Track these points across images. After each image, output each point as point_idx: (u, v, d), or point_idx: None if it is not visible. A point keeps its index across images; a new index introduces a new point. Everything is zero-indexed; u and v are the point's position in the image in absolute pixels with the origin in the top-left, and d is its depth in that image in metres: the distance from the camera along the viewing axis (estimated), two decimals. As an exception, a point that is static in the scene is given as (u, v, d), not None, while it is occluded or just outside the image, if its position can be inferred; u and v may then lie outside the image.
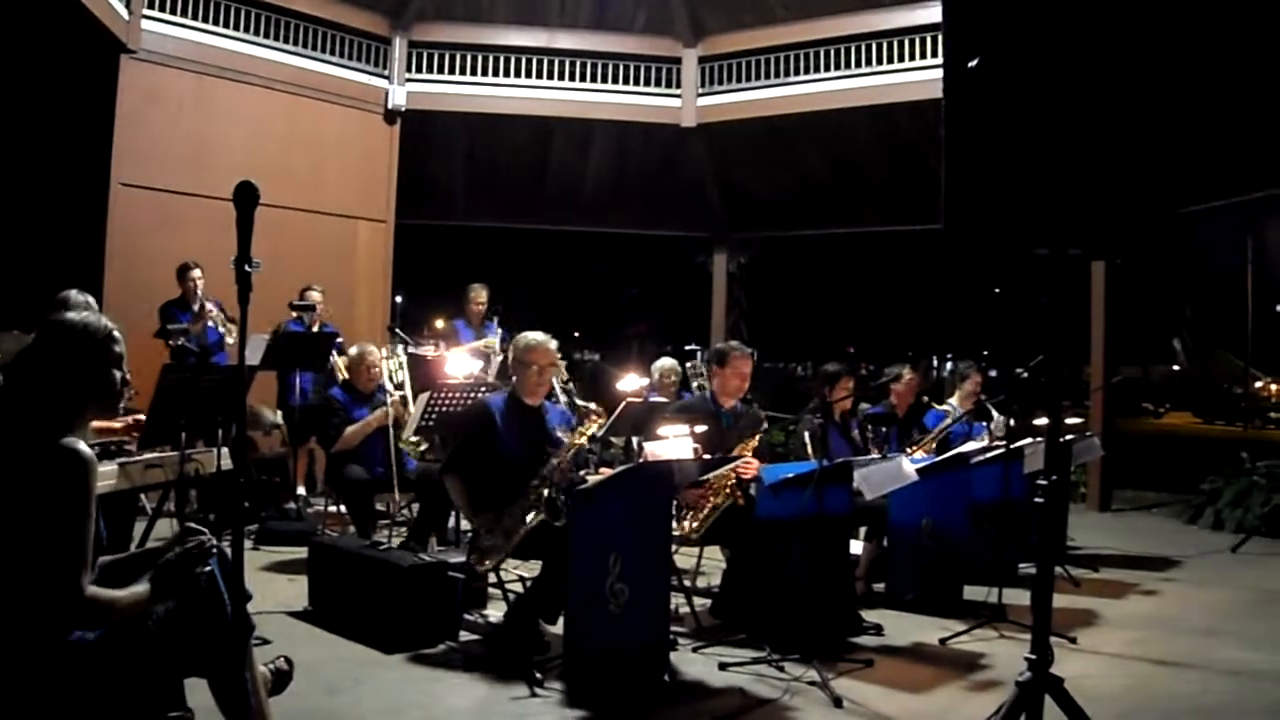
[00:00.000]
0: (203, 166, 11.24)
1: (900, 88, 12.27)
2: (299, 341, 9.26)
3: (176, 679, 3.46)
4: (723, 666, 5.73)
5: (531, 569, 6.16)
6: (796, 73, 13.07)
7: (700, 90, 13.72)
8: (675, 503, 6.46)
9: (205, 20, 11.59)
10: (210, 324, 9.63)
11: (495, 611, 6.61)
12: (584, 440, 6.23)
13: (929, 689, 5.62)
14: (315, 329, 10.05)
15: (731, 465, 6.37)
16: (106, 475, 5.66)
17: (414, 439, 8.10)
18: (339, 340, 9.75)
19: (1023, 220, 3.82)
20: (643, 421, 7.70)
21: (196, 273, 9.66)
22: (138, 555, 3.87)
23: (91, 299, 6.17)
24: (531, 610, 5.84)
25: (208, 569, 3.52)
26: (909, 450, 7.90)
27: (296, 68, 12.32)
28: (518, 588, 6.38)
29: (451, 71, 13.37)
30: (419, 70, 13.30)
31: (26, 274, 6.18)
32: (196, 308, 9.67)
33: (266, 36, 12.10)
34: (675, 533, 6.41)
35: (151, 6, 11.16)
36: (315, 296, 10.30)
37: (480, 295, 11.31)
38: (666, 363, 10.05)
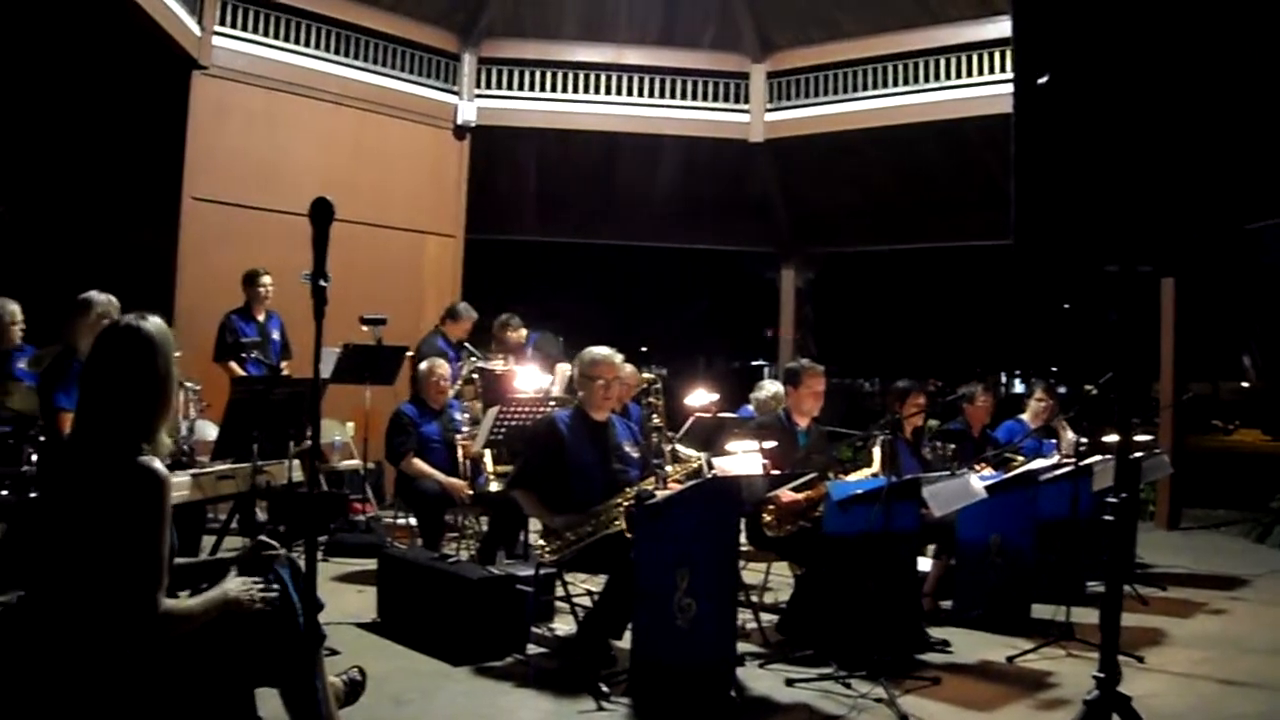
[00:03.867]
0: (272, 181, 11.39)
1: (968, 103, 12.17)
2: (370, 355, 9.33)
3: (249, 688, 3.51)
4: (789, 683, 5.71)
5: (599, 583, 6.18)
6: (864, 88, 13.02)
7: (768, 105, 13.69)
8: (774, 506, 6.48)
9: (276, 37, 11.74)
10: (275, 337, 9.74)
11: (563, 625, 6.63)
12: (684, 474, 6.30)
13: (995, 707, 5.59)
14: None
15: (802, 481, 6.36)
16: (180, 486, 5.75)
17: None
18: (409, 354, 9.82)
19: (1092, 236, 3.80)
20: (712, 436, 7.70)
21: (267, 279, 9.72)
22: (208, 563, 3.92)
23: (114, 299, 6.20)
24: (599, 624, 5.85)
25: (276, 589, 3.57)
26: (977, 467, 7.85)
27: (366, 83, 12.43)
28: (585, 602, 6.40)
29: (520, 87, 13.44)
30: (488, 86, 13.38)
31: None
32: (262, 317, 9.78)
33: (337, 53, 12.21)
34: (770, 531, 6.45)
35: (223, 23, 11.31)
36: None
37: (518, 333, 10.97)
38: (774, 388, 9.78)
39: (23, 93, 10.99)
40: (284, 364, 9.54)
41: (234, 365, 9.20)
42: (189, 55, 10.87)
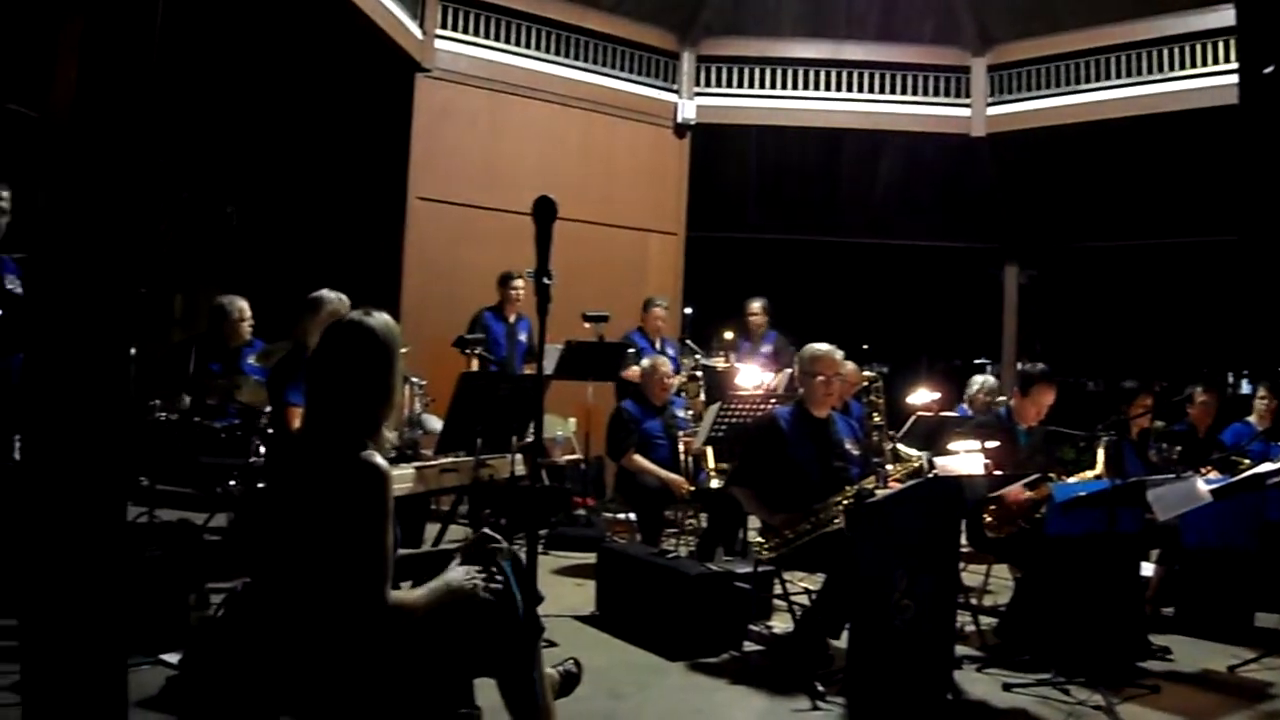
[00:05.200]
0: (496, 181, 11.58)
1: (1193, 94, 11.67)
2: (592, 352, 9.42)
3: (468, 678, 3.56)
4: (1007, 688, 5.60)
5: (817, 582, 6.12)
6: (1086, 80, 12.60)
7: (989, 99, 13.38)
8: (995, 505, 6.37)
9: (496, 39, 11.94)
10: (521, 339, 9.92)
11: (780, 623, 6.60)
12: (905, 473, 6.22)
13: (1215, 717, 5.42)
14: (657, 343, 10.28)
15: (1022, 483, 6.21)
16: (403, 479, 5.90)
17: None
18: (631, 351, 9.89)
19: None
20: (933, 435, 7.57)
21: (519, 282, 9.87)
22: (431, 554, 4.00)
23: (344, 297, 6.38)
24: (816, 623, 5.80)
25: (499, 578, 3.62)
26: (1203, 470, 7.53)
27: (588, 83, 12.56)
28: (803, 600, 6.35)
29: (740, 85, 13.41)
30: (708, 84, 13.38)
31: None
32: (513, 318, 9.96)
33: (557, 54, 12.36)
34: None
35: (444, 27, 11.57)
36: (659, 312, 10.57)
37: (753, 307, 11.22)
38: (989, 381, 9.73)
39: (254, 98, 11.44)
40: (528, 366, 9.72)
41: (473, 359, 9.38)
42: (412, 58, 11.14)
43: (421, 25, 11.29)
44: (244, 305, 7.92)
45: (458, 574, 3.57)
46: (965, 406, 9.42)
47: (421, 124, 11.37)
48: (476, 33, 11.78)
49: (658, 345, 10.39)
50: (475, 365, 8.94)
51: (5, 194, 5.21)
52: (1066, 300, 16.24)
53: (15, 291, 5.26)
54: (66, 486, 3.15)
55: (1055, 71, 12.87)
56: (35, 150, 3.31)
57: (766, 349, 10.86)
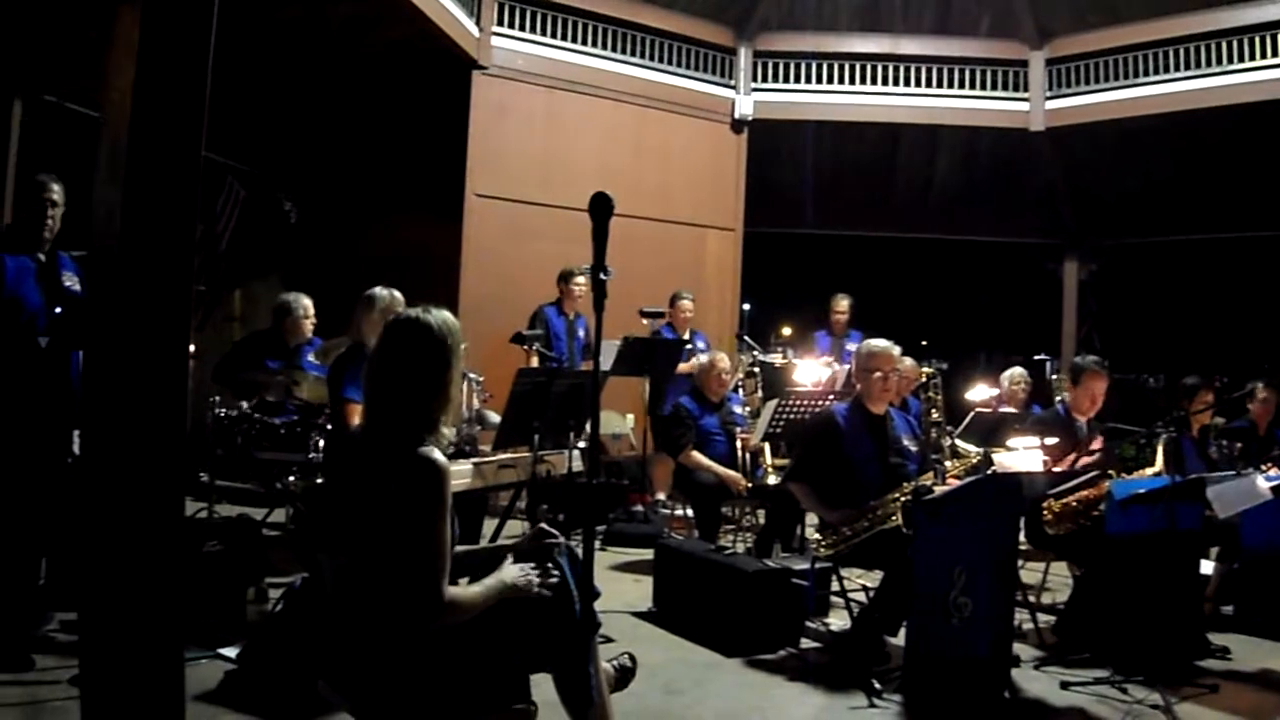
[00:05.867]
0: (553, 177, 11.63)
1: (1254, 86, 11.50)
2: (649, 348, 9.42)
3: (525, 673, 3.57)
4: (1064, 686, 5.56)
5: (875, 579, 6.10)
6: (1146, 73, 12.43)
7: (1048, 93, 13.25)
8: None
9: (553, 36, 11.97)
10: (580, 336, 9.94)
11: (837, 620, 6.58)
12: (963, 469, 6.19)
13: (1275, 717, 5.37)
14: (685, 336, 10.27)
15: (1080, 481, 6.15)
16: (461, 474, 5.92)
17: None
18: (688, 347, 9.89)
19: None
20: (992, 431, 7.53)
21: (580, 279, 9.90)
22: (489, 550, 4.01)
23: (398, 293, 6.42)
24: (874, 620, 5.78)
25: (556, 575, 3.63)
26: (1264, 467, 7.44)
27: (644, 80, 12.56)
28: (860, 597, 6.33)
29: (796, 80, 13.35)
30: (764, 80, 13.35)
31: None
32: (572, 315, 9.99)
33: (614, 50, 12.37)
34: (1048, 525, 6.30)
35: (500, 24, 11.60)
36: (686, 305, 10.51)
37: (840, 304, 11.28)
38: (1016, 371, 9.79)
39: (313, 95, 11.54)
40: (586, 363, 9.74)
41: (532, 356, 9.39)
42: (469, 56, 11.20)
43: (478, 23, 11.33)
44: (308, 303, 8.01)
45: (513, 571, 3.59)
46: (1002, 400, 9.40)
47: (479, 121, 11.41)
48: (533, 30, 11.81)
49: (686, 338, 10.36)
50: (534, 361, 8.97)
51: (56, 187, 5.29)
52: (1127, 295, 16.08)
53: (73, 289, 5.33)
54: (125, 482, 3.18)
55: (1114, 65, 12.73)
56: (92, 147, 3.33)
57: (851, 348, 10.87)
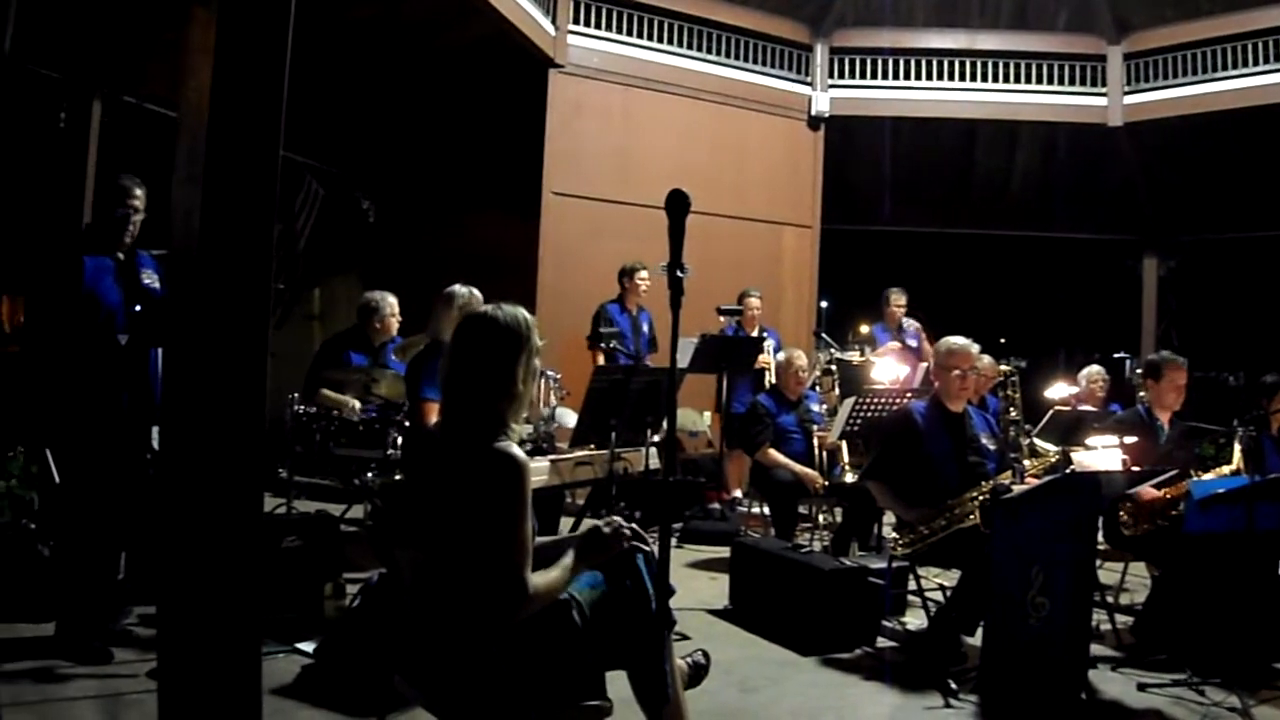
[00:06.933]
0: (630, 175, 11.68)
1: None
2: (726, 345, 9.42)
3: (600, 669, 3.58)
4: (1141, 687, 5.48)
5: (952, 578, 6.07)
6: (1225, 67, 12.24)
7: (1126, 88, 13.09)
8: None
9: (628, 34, 12.02)
10: (644, 331, 9.96)
11: (914, 619, 6.55)
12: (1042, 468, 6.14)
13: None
14: (754, 333, 10.26)
15: (1160, 478, 6.08)
16: (539, 472, 5.97)
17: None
18: (766, 344, 9.89)
19: None
20: (1071, 430, 7.46)
21: (644, 274, 9.91)
22: (563, 540, 4.03)
23: (476, 291, 6.44)
24: (951, 620, 5.75)
25: (635, 566, 3.65)
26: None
27: (721, 77, 12.56)
28: (938, 597, 6.30)
29: (873, 76, 13.30)
30: (840, 76, 13.31)
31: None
32: (634, 311, 10.00)
33: (690, 48, 12.39)
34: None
35: (575, 22, 11.68)
36: (754, 303, 10.48)
37: (897, 299, 11.25)
38: (1094, 369, 9.70)
39: (392, 94, 11.64)
40: (649, 357, 9.75)
41: (599, 354, 9.41)
42: (545, 55, 11.29)
43: (554, 21, 11.41)
44: (394, 301, 8.09)
45: (585, 529, 3.64)
46: (1080, 399, 9.31)
47: (555, 119, 11.48)
48: (608, 28, 11.87)
49: (755, 335, 10.32)
50: (600, 359, 9.02)
51: (139, 193, 5.35)
52: (1205, 292, 15.83)
53: (153, 286, 5.41)
54: (204, 478, 3.22)
55: (1193, 59, 12.55)
56: (170, 147, 3.38)
57: (912, 342, 10.81)
